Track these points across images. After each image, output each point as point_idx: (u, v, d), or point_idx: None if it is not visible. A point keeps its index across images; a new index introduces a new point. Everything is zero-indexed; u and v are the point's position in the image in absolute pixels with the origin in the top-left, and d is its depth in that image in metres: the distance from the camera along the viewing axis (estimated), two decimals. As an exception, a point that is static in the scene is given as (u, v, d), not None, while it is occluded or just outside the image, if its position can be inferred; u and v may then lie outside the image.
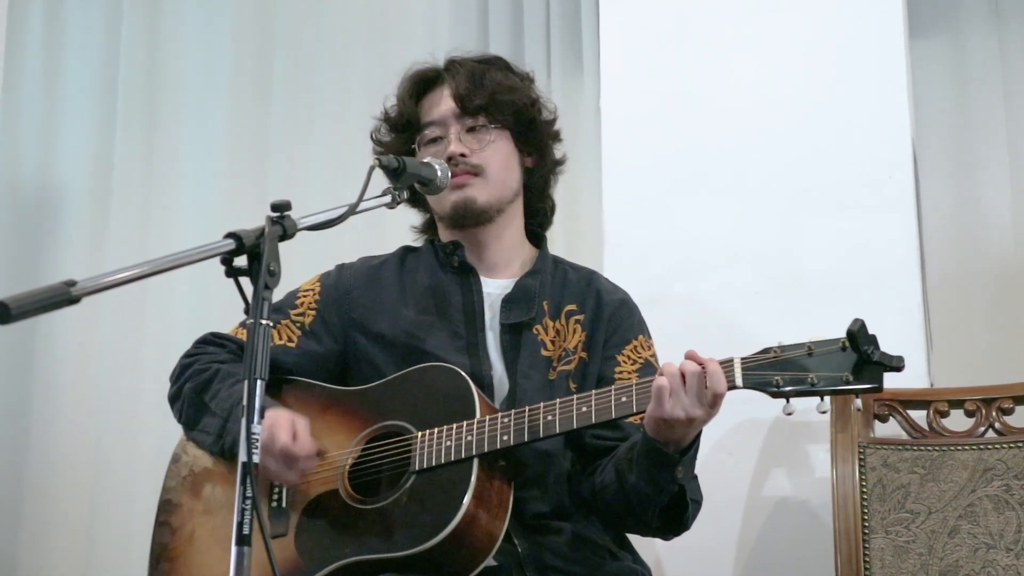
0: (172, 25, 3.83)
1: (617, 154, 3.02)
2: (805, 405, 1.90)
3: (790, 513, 2.74)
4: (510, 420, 2.00)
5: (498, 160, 2.30)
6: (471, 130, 2.29)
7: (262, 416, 1.55)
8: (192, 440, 2.26)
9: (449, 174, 2.17)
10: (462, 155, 2.26)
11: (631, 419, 2.05)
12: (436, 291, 2.30)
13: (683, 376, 1.89)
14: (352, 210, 1.86)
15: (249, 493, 1.51)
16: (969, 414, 2.56)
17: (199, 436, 2.23)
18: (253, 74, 3.74)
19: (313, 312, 2.32)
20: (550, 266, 2.35)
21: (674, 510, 2.07)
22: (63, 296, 1.42)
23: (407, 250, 2.43)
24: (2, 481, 3.68)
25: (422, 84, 2.37)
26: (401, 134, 2.38)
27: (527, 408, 2.01)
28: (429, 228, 2.45)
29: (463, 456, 1.99)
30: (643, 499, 2.03)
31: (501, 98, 2.30)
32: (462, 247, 2.30)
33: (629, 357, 2.26)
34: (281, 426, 2.04)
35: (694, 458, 2.02)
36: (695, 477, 2.11)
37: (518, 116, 2.33)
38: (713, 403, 1.89)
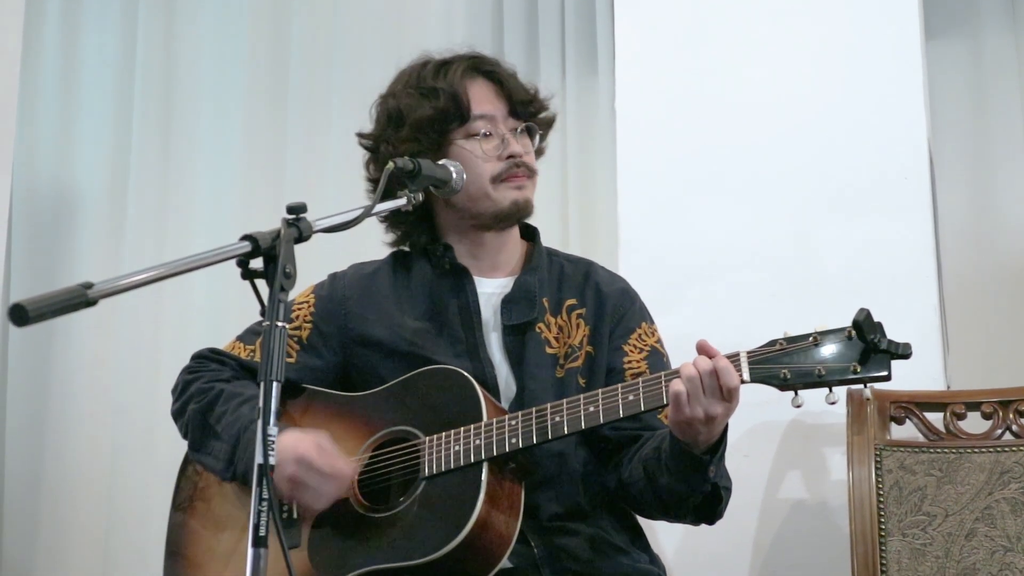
0: (188, 29, 3.85)
1: (632, 156, 3.02)
2: (815, 400, 1.88)
3: (806, 515, 2.74)
4: (518, 422, 2.00)
5: (536, 166, 2.32)
6: (519, 131, 2.27)
7: (278, 418, 1.55)
8: (199, 463, 2.22)
9: (464, 176, 2.15)
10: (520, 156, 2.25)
11: None
12: (432, 296, 2.27)
13: (700, 377, 1.88)
14: (368, 212, 1.86)
15: (265, 495, 1.51)
16: (986, 416, 2.55)
17: (207, 460, 2.18)
18: (269, 77, 3.75)
19: (309, 325, 2.28)
20: (545, 261, 2.33)
21: (708, 500, 2.07)
22: (80, 298, 1.43)
23: (398, 255, 2.37)
24: (19, 490, 3.69)
25: (471, 72, 2.27)
26: (440, 123, 2.23)
27: (534, 409, 2.01)
28: (405, 242, 2.36)
29: (472, 460, 1.99)
30: (677, 499, 2.05)
31: (546, 112, 2.33)
32: (452, 249, 2.27)
33: (635, 346, 2.25)
34: (309, 446, 2.03)
35: (723, 454, 2.01)
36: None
37: (549, 127, 2.36)
38: (729, 397, 1.89)
